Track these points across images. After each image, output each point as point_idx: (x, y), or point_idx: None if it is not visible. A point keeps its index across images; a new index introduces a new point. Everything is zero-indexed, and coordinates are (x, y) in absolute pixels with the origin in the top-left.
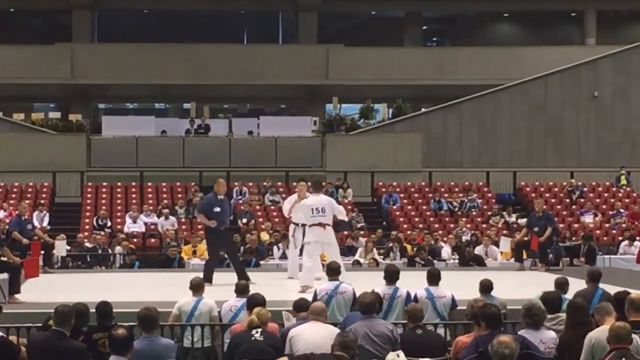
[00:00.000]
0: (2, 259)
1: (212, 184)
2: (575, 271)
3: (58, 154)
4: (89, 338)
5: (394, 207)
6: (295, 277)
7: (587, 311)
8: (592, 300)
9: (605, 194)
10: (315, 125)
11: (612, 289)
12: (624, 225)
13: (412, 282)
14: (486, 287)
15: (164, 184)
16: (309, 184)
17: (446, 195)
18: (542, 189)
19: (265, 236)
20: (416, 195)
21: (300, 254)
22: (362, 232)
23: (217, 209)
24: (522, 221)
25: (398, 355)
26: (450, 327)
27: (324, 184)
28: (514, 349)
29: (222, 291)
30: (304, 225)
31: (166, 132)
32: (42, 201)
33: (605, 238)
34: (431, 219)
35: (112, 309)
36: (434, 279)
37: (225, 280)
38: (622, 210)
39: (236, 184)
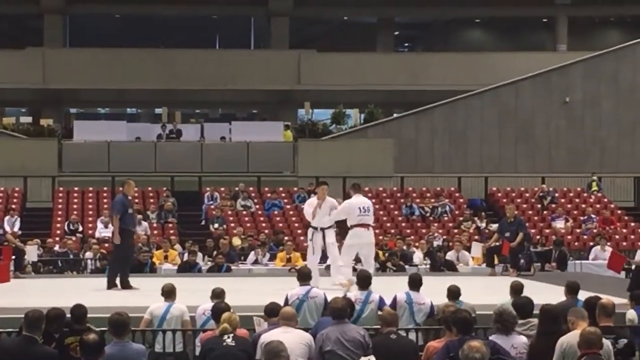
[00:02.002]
0: None
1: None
2: (546, 276)
3: (29, 158)
4: (61, 343)
5: None
6: (317, 284)
7: (559, 319)
8: None
9: (577, 200)
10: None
11: (583, 295)
12: (595, 230)
13: (384, 288)
14: (454, 292)
15: (135, 189)
16: (326, 188)
17: (418, 200)
18: (513, 195)
19: (237, 241)
20: (388, 200)
21: (321, 260)
22: None
23: (130, 210)
24: (494, 226)
25: None
26: (423, 332)
27: (296, 188)
28: (485, 353)
29: (193, 296)
30: (323, 230)
31: (138, 137)
32: (13, 206)
33: (576, 243)
34: (403, 224)
35: (87, 313)
36: (415, 284)
37: (195, 286)
38: (593, 216)
39: (208, 189)
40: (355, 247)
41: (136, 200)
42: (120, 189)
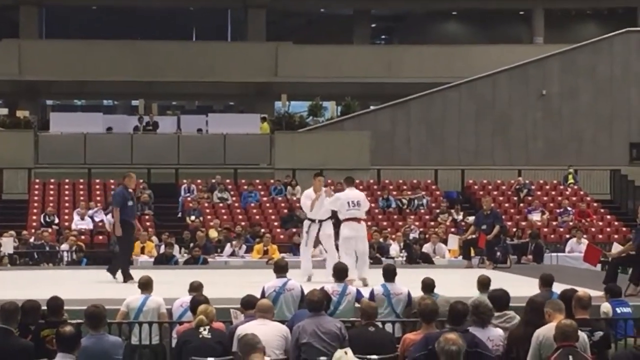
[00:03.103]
0: None
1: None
2: (522, 269)
3: (5, 150)
4: (37, 335)
5: None
6: (311, 275)
7: (543, 313)
8: None
9: (553, 192)
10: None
11: (559, 287)
12: (571, 223)
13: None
14: (428, 285)
15: (111, 180)
16: (322, 179)
17: (394, 193)
18: (490, 187)
19: (213, 233)
20: (365, 192)
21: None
22: None
23: (130, 202)
24: (470, 219)
25: (346, 353)
26: (401, 324)
27: (273, 180)
28: (461, 345)
29: (170, 289)
30: (320, 222)
31: (110, 128)
32: None
33: (552, 236)
34: (379, 216)
35: (63, 305)
36: (390, 275)
37: (172, 278)
38: (569, 209)
39: (185, 181)
40: (352, 240)
41: (112, 192)
42: (121, 181)
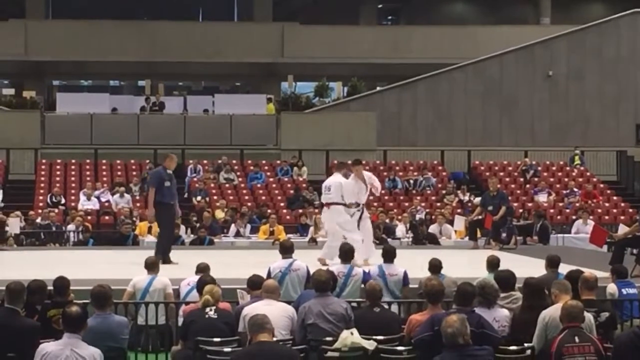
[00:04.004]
0: None
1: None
2: (528, 250)
3: (12, 130)
4: (43, 315)
5: None
6: (370, 259)
7: (542, 293)
8: None
9: (559, 173)
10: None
11: (565, 268)
12: (577, 204)
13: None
14: (435, 266)
15: (118, 161)
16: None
17: (401, 173)
18: (496, 168)
19: (220, 214)
20: (371, 172)
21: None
22: (317, 210)
23: (168, 183)
24: (476, 200)
25: (352, 333)
26: (404, 304)
27: (279, 161)
28: (464, 327)
29: (176, 269)
30: (363, 206)
31: (115, 108)
32: None
33: (559, 217)
34: (386, 197)
35: (69, 285)
36: (389, 256)
37: (178, 258)
38: (575, 190)
39: (191, 161)
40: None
41: (119, 173)
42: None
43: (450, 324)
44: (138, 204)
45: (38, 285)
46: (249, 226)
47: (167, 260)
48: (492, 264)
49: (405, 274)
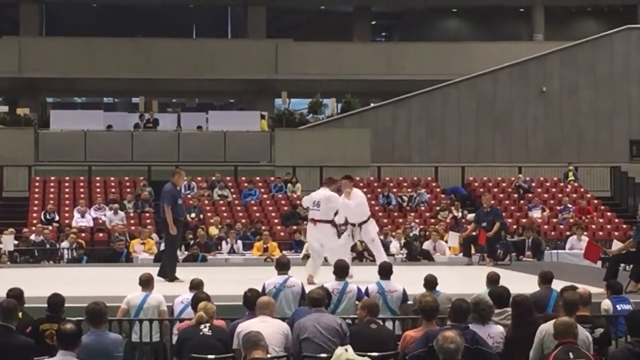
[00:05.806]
0: None
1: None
2: (522, 266)
3: (5, 148)
4: (36, 328)
5: None
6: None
7: (531, 309)
8: (549, 302)
9: (553, 189)
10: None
11: (560, 284)
12: (571, 220)
13: (361, 277)
14: (431, 282)
15: (112, 178)
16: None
17: (395, 190)
18: (490, 184)
19: (213, 230)
20: (365, 190)
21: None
22: None
23: (180, 201)
24: (470, 216)
25: (346, 350)
26: (401, 321)
27: (273, 178)
28: (459, 343)
29: (170, 286)
30: (360, 225)
31: (110, 126)
32: None
33: (552, 233)
34: (380, 213)
35: (64, 301)
36: (386, 273)
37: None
38: (569, 206)
39: (185, 178)
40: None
41: (113, 190)
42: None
43: (452, 340)
44: (132, 221)
45: (15, 293)
46: (240, 242)
47: (174, 278)
48: (492, 280)
49: (404, 291)
